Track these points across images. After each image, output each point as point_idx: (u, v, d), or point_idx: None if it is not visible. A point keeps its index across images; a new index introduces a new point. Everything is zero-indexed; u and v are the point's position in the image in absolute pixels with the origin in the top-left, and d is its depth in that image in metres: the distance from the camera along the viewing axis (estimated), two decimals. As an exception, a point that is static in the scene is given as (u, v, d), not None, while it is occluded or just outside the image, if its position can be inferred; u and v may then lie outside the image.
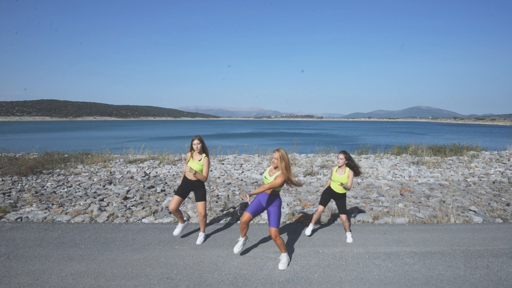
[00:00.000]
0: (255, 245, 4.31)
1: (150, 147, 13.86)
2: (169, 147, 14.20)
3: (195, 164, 4.26)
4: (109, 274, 3.48)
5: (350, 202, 6.44)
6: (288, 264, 3.76)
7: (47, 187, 7.52)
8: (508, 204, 6.31)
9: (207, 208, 5.93)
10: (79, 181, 8.18)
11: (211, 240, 4.46)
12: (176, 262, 3.77)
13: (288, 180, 3.62)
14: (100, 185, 7.76)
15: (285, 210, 5.86)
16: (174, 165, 10.84)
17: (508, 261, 3.87)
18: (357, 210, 5.90)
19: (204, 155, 4.32)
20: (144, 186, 7.63)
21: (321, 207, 4.56)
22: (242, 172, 9.80)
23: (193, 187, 4.36)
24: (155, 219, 5.34)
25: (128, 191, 7.17)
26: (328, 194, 4.58)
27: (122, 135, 43.57)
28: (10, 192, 6.92)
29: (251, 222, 5.32)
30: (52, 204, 6.06)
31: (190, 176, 4.28)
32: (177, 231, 4.41)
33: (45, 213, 5.49)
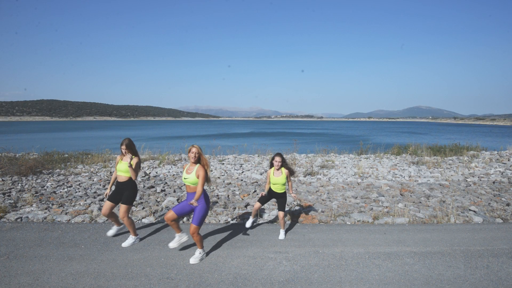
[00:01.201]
0: (255, 245, 4.31)
1: (150, 147, 13.86)
2: (169, 147, 14.21)
3: (122, 164, 4.29)
4: (109, 274, 3.48)
5: (350, 202, 6.44)
6: (201, 260, 3.83)
7: (47, 187, 7.52)
8: (508, 204, 6.31)
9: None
10: (79, 181, 8.18)
11: (211, 240, 4.46)
12: (176, 262, 3.77)
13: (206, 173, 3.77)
14: (100, 185, 7.76)
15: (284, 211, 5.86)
16: (174, 165, 10.84)
17: (508, 261, 3.87)
18: (357, 210, 5.90)
19: (133, 156, 4.31)
20: (144, 186, 7.63)
21: (258, 204, 4.71)
22: (242, 172, 9.80)
23: (122, 189, 4.31)
24: (155, 219, 5.34)
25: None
26: (268, 194, 4.74)
27: (122, 135, 43.57)
28: (10, 192, 6.92)
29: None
30: (52, 204, 6.06)
31: (120, 179, 4.29)
32: (111, 232, 4.49)
33: (45, 213, 5.49)
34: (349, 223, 5.31)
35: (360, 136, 46.70)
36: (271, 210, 5.91)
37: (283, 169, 4.59)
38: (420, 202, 6.48)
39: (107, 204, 4.28)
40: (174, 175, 9.25)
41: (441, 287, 3.30)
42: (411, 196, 6.95)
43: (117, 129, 72.91)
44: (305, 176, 9.15)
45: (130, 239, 4.31)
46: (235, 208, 6.04)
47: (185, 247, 4.21)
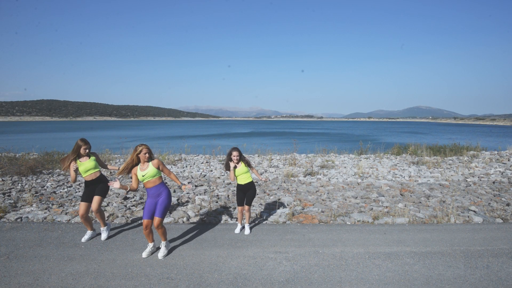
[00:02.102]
0: (255, 245, 4.31)
1: (150, 147, 13.85)
2: (169, 147, 14.21)
3: (88, 163, 4.37)
4: (109, 274, 3.48)
5: (350, 202, 6.44)
6: (168, 251, 3.98)
7: (47, 187, 7.52)
8: (508, 204, 6.31)
9: (207, 208, 5.93)
10: (79, 181, 8.18)
11: (211, 240, 4.46)
12: (176, 262, 3.77)
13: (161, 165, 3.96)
14: (100, 185, 7.76)
15: (285, 210, 5.86)
16: (174, 165, 10.84)
17: (508, 261, 3.87)
18: (357, 210, 5.90)
19: (92, 155, 4.49)
20: (144, 186, 7.63)
21: (240, 208, 4.80)
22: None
23: (95, 186, 4.42)
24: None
25: (128, 191, 7.17)
26: (241, 192, 4.79)
27: (122, 135, 43.60)
28: (10, 192, 6.92)
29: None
30: (52, 204, 6.06)
31: (91, 177, 4.39)
32: (86, 237, 4.45)
33: (45, 213, 5.50)
34: (349, 223, 5.31)
35: (365, 136, 46.80)
36: (271, 210, 5.91)
37: (242, 162, 4.76)
38: (420, 202, 6.48)
39: (84, 205, 4.35)
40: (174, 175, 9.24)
41: (441, 287, 3.30)
42: (411, 196, 6.95)
43: (117, 129, 72.91)
44: (305, 176, 9.15)
45: (105, 233, 4.50)
46: (235, 208, 6.03)
47: (185, 247, 4.21)
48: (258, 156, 13.15)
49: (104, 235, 4.48)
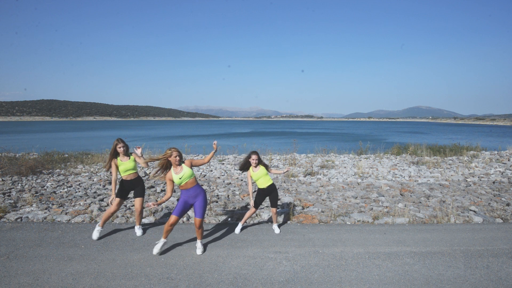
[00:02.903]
0: (255, 245, 4.31)
1: (150, 147, 13.86)
2: (169, 147, 14.20)
3: (128, 163, 4.48)
4: (109, 274, 3.48)
5: (350, 202, 6.44)
6: (203, 251, 4.05)
7: (47, 187, 7.52)
8: (508, 204, 6.31)
9: (207, 208, 5.93)
10: (79, 181, 8.18)
11: (211, 240, 4.46)
12: (176, 262, 3.77)
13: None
14: (100, 185, 7.77)
15: (285, 210, 5.86)
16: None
17: (508, 261, 3.87)
18: (357, 210, 5.90)
19: (131, 153, 4.60)
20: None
21: (253, 209, 4.75)
22: (242, 172, 9.80)
23: (134, 185, 4.57)
24: (155, 219, 5.34)
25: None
26: (262, 196, 4.74)
27: (122, 135, 43.58)
28: (10, 192, 6.92)
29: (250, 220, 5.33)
30: (52, 204, 6.06)
31: (130, 177, 4.50)
32: (138, 232, 4.63)
33: (45, 213, 5.49)
34: (349, 223, 5.31)
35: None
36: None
37: (260, 165, 4.72)
38: (420, 202, 6.48)
39: (118, 201, 4.46)
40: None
41: (441, 287, 3.30)
42: (411, 196, 6.95)
43: (117, 129, 72.92)
44: (305, 176, 9.15)
45: (139, 231, 4.64)
46: (235, 208, 6.03)
47: (185, 247, 4.21)
48: (258, 156, 13.15)
49: (139, 232, 4.60)
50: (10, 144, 14.28)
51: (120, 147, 4.40)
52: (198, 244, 4.07)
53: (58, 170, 9.50)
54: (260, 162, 4.72)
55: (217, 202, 6.42)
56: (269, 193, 4.74)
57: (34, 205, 5.98)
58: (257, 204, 4.73)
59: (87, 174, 9.11)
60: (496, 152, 14.26)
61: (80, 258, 3.84)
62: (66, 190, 7.22)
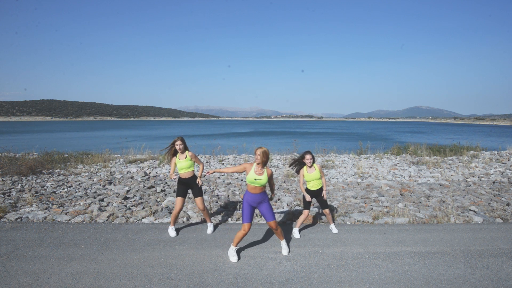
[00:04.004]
0: (255, 245, 4.31)
1: (150, 147, 13.87)
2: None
3: (184, 162, 4.60)
4: (109, 274, 3.48)
5: (350, 202, 6.44)
6: (289, 250, 4.08)
7: (47, 187, 7.52)
8: (508, 204, 6.31)
9: (208, 208, 5.93)
10: (79, 181, 8.18)
11: (211, 240, 4.46)
12: (176, 262, 3.77)
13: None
14: (100, 185, 7.77)
15: (285, 210, 5.86)
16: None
17: (508, 261, 3.87)
18: (357, 210, 5.90)
19: (187, 151, 4.69)
20: (144, 186, 7.64)
21: (306, 211, 4.73)
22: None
23: (190, 184, 4.68)
24: (155, 219, 5.34)
25: (128, 191, 7.18)
26: (314, 196, 4.75)
27: (122, 135, 43.60)
28: (10, 192, 6.92)
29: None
30: (52, 204, 6.06)
31: (185, 175, 4.61)
32: (208, 229, 4.79)
33: (45, 213, 5.49)
34: (349, 223, 5.31)
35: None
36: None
37: (315, 165, 4.71)
38: (420, 202, 6.48)
39: (180, 200, 4.60)
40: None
41: (441, 287, 3.30)
42: (411, 196, 6.95)
43: (117, 129, 72.92)
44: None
45: (211, 227, 4.79)
46: (235, 208, 6.03)
47: (185, 247, 4.21)
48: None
49: (210, 230, 4.75)
50: (10, 144, 14.29)
51: (178, 145, 4.56)
52: (283, 245, 4.06)
53: (58, 170, 9.50)
54: (315, 162, 4.71)
55: (217, 202, 6.42)
56: (316, 195, 4.74)
57: (34, 205, 5.98)
58: (307, 206, 4.70)
59: (87, 174, 9.11)
60: (496, 152, 14.26)
61: (80, 258, 3.84)
62: (66, 190, 7.22)
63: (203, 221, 5.25)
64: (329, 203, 6.39)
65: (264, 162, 3.78)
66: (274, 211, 5.76)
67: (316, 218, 5.42)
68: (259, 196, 3.83)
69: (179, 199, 4.61)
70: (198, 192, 4.67)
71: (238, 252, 4.06)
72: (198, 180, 4.64)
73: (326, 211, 4.75)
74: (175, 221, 4.68)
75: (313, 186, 4.70)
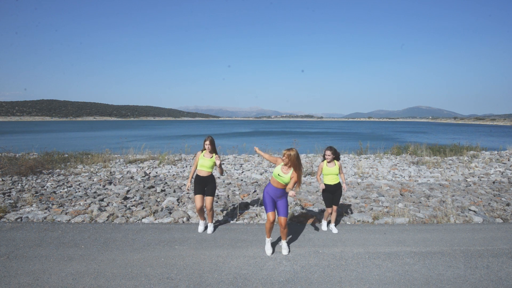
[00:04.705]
0: (255, 245, 4.31)
1: (150, 147, 13.87)
2: (169, 147, 14.21)
3: (206, 161, 4.68)
4: (109, 274, 3.48)
5: (350, 202, 6.44)
6: (289, 250, 4.11)
7: (47, 187, 7.52)
8: (508, 204, 6.31)
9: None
10: (79, 181, 8.18)
11: (211, 240, 4.46)
12: (176, 262, 3.77)
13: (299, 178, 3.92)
14: (100, 185, 7.77)
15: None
16: (174, 165, 10.84)
17: (508, 261, 3.87)
18: (357, 210, 5.90)
19: (214, 154, 4.76)
20: (144, 186, 7.64)
21: (329, 209, 4.83)
22: (242, 172, 9.81)
23: (206, 183, 4.74)
24: (155, 219, 5.34)
25: (128, 191, 7.18)
26: (329, 192, 4.82)
27: (122, 135, 43.60)
28: (10, 192, 6.92)
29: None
30: (52, 204, 6.06)
31: (203, 173, 4.68)
32: (209, 229, 4.79)
33: (45, 213, 5.50)
34: (349, 223, 5.31)
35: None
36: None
37: (335, 161, 4.79)
38: (420, 202, 6.48)
39: (199, 198, 4.66)
40: (174, 175, 9.25)
41: (441, 287, 3.30)
42: (411, 196, 6.95)
43: (117, 129, 72.92)
44: (305, 176, 9.15)
45: (211, 227, 4.78)
46: (235, 208, 6.03)
47: (185, 247, 4.21)
48: (258, 156, 13.15)
49: (210, 230, 4.76)
50: (10, 144, 14.29)
51: (207, 144, 4.65)
52: (284, 245, 4.09)
53: (58, 170, 9.50)
54: (336, 158, 4.79)
55: (217, 202, 6.42)
56: (333, 191, 4.80)
57: (34, 205, 5.98)
58: (327, 202, 4.81)
59: (87, 174, 9.11)
60: (496, 152, 14.26)
61: (80, 258, 3.84)
62: (66, 190, 7.22)
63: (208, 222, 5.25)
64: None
65: (291, 165, 3.88)
66: None
67: (317, 218, 5.42)
68: (280, 191, 3.95)
69: (198, 196, 4.67)
70: (211, 192, 4.72)
71: (273, 245, 4.23)
72: (218, 162, 4.64)
73: (334, 207, 4.81)
74: (203, 216, 4.81)
75: (330, 180, 4.78)
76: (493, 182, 8.37)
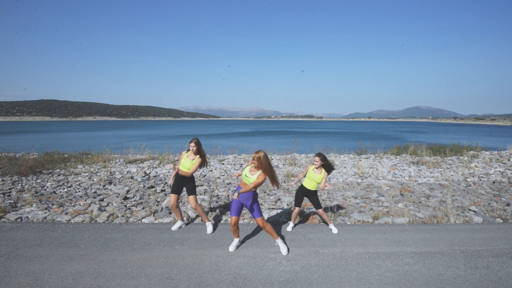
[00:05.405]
0: (255, 245, 4.31)
1: (150, 147, 13.86)
2: (169, 147, 14.20)
3: (187, 162, 4.67)
4: (109, 274, 3.48)
5: (350, 202, 6.44)
6: (288, 249, 4.11)
7: (47, 187, 7.52)
8: (508, 204, 6.31)
9: (207, 208, 5.93)
10: (79, 181, 8.18)
11: (211, 240, 4.46)
12: (176, 262, 3.77)
13: (271, 179, 3.95)
14: (100, 185, 7.76)
15: (285, 210, 5.86)
16: (174, 165, 10.84)
17: (508, 261, 3.87)
18: (357, 210, 5.90)
19: (198, 156, 4.70)
20: (144, 186, 7.64)
21: (297, 209, 4.83)
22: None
23: (184, 182, 4.75)
24: (155, 219, 5.34)
25: (128, 191, 7.18)
26: (301, 193, 4.84)
27: (122, 135, 43.60)
28: (10, 192, 6.92)
29: (243, 222, 5.33)
30: (52, 204, 6.06)
31: (182, 173, 4.64)
32: (175, 226, 4.88)
33: (45, 213, 5.49)
34: (349, 223, 5.31)
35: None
36: (271, 209, 5.91)
37: (323, 169, 4.73)
38: (420, 202, 6.48)
39: (173, 196, 4.69)
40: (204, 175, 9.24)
41: (441, 287, 3.30)
42: (411, 196, 6.95)
43: (117, 129, 72.90)
44: (305, 176, 9.14)
45: (210, 226, 4.81)
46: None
47: (185, 247, 4.21)
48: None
49: (209, 229, 4.78)
50: (10, 144, 14.28)
51: (192, 145, 4.64)
52: (280, 244, 4.10)
53: (58, 170, 9.49)
54: (325, 167, 4.70)
55: (217, 202, 6.42)
56: (308, 195, 4.80)
57: (34, 205, 5.98)
58: (296, 201, 4.82)
59: (87, 174, 9.10)
60: (496, 152, 14.25)
61: (80, 258, 3.84)
62: (66, 190, 7.21)
63: (204, 221, 5.25)
64: (329, 203, 6.39)
65: (259, 167, 3.88)
66: (275, 210, 5.77)
67: (317, 218, 5.42)
68: (247, 193, 3.95)
69: (172, 195, 4.70)
70: (191, 191, 4.72)
71: (240, 248, 4.23)
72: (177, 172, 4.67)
73: (320, 211, 4.78)
74: (179, 215, 4.82)
75: (309, 185, 4.77)
76: (493, 182, 8.37)
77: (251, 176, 3.91)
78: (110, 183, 8.01)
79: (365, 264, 3.77)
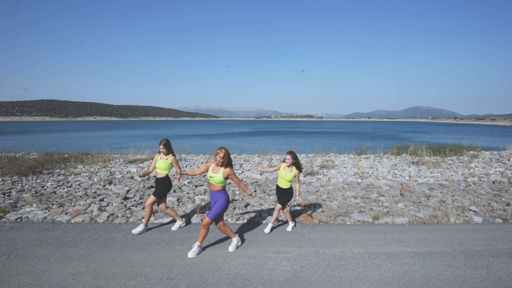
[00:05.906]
0: (255, 245, 4.31)
1: (150, 147, 13.86)
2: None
3: (160, 163, 4.78)
4: (109, 274, 3.48)
5: (350, 202, 6.44)
6: (237, 247, 4.18)
7: (47, 187, 7.52)
8: (508, 204, 6.31)
9: (207, 208, 5.93)
10: (79, 181, 8.18)
11: (211, 240, 4.46)
12: (176, 262, 3.77)
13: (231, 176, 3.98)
14: (100, 185, 7.77)
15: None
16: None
17: (508, 261, 3.87)
18: (357, 210, 5.90)
19: (170, 155, 4.80)
20: (144, 186, 7.64)
21: (279, 206, 4.84)
22: (242, 172, 9.81)
23: (157, 184, 4.83)
24: (155, 219, 5.34)
25: (128, 191, 7.18)
26: (279, 192, 4.89)
27: (122, 135, 43.60)
28: (10, 192, 6.92)
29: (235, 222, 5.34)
30: (52, 204, 6.06)
31: (158, 175, 4.79)
32: (175, 226, 4.92)
33: (45, 213, 5.49)
34: (349, 223, 5.31)
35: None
36: (271, 209, 5.91)
37: (294, 167, 4.75)
38: (420, 202, 6.48)
39: (151, 197, 4.77)
40: (173, 175, 9.24)
41: (441, 287, 3.30)
42: (411, 196, 6.95)
43: (117, 129, 72.90)
44: (305, 176, 9.15)
45: (177, 224, 4.91)
46: (235, 208, 6.04)
47: (185, 247, 4.21)
48: (258, 156, 13.16)
49: (175, 227, 4.88)
50: (10, 144, 14.28)
51: (161, 147, 4.72)
52: (233, 242, 4.16)
53: (58, 170, 9.49)
54: (296, 165, 4.73)
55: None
56: (281, 192, 4.85)
57: (34, 205, 5.98)
58: (278, 199, 4.86)
59: (87, 174, 9.11)
60: (496, 152, 14.26)
61: (80, 258, 3.84)
62: (66, 190, 7.22)
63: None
64: (329, 203, 6.39)
65: (221, 162, 3.90)
66: (274, 211, 5.77)
67: (317, 218, 5.42)
68: (215, 193, 3.98)
69: (152, 197, 4.76)
70: (156, 193, 4.74)
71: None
72: (176, 181, 4.95)
73: (278, 206, 4.82)
74: (147, 218, 4.75)
75: (281, 183, 4.83)
76: (493, 182, 8.37)
77: (215, 175, 3.93)
78: (110, 183, 8.02)
79: (365, 264, 3.77)
